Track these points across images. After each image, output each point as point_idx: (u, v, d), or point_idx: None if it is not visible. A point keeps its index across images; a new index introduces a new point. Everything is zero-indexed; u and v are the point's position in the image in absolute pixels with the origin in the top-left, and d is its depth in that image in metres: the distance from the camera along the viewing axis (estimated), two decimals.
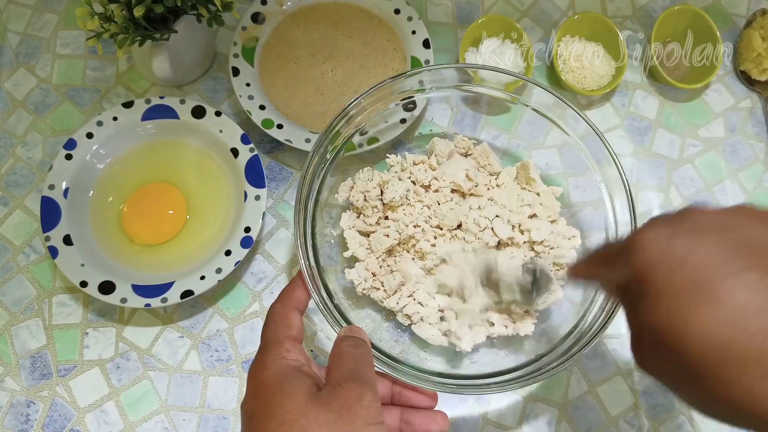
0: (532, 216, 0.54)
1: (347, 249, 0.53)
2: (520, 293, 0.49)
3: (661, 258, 0.29)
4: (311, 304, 0.45)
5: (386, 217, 0.53)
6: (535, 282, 0.49)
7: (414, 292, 0.51)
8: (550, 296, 0.51)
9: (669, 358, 0.28)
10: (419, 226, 0.51)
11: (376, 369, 0.44)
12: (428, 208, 0.52)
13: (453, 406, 0.56)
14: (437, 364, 0.51)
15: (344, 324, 0.46)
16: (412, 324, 0.52)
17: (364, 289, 0.51)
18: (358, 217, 0.54)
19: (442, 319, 0.52)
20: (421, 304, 0.51)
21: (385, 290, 0.52)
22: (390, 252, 0.53)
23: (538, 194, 0.55)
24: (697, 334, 0.27)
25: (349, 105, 0.50)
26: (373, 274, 0.52)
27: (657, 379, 0.31)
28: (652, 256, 0.29)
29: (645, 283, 0.29)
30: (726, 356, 0.26)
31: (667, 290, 0.28)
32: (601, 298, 0.49)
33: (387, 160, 0.55)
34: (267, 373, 0.35)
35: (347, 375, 0.35)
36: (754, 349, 0.26)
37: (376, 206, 0.52)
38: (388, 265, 0.53)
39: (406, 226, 0.51)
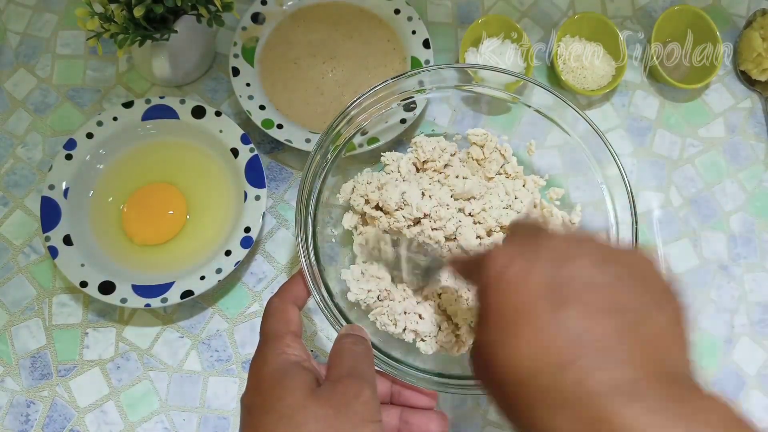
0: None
1: (347, 247, 0.52)
2: (410, 272, 0.49)
3: (497, 281, 0.29)
4: (311, 303, 0.44)
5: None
6: (428, 267, 0.48)
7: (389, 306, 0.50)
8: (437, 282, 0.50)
9: (487, 373, 0.29)
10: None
11: (377, 369, 0.44)
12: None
13: (453, 406, 0.56)
14: (438, 364, 0.51)
15: (344, 323, 0.46)
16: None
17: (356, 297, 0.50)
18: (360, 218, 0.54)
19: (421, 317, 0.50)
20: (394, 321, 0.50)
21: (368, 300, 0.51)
22: None
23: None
24: (506, 359, 0.28)
25: (350, 105, 0.50)
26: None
27: (483, 389, 0.31)
28: (491, 277, 0.29)
29: (482, 301, 0.30)
30: (524, 385, 0.27)
31: (493, 314, 0.29)
32: None
33: (382, 158, 0.55)
34: (268, 368, 0.35)
35: (347, 371, 0.35)
36: (543, 382, 0.26)
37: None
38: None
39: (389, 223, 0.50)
